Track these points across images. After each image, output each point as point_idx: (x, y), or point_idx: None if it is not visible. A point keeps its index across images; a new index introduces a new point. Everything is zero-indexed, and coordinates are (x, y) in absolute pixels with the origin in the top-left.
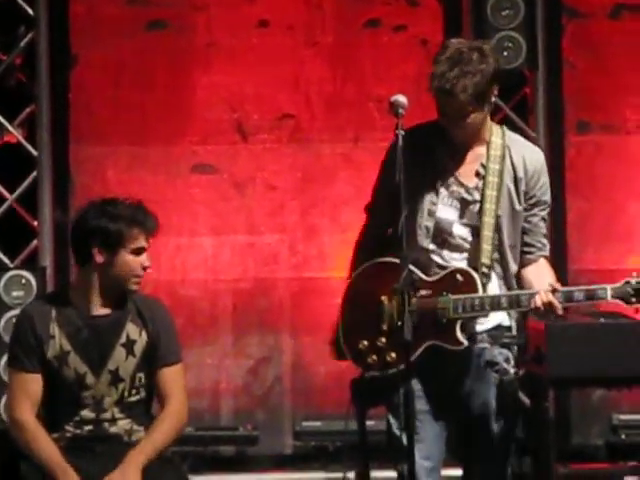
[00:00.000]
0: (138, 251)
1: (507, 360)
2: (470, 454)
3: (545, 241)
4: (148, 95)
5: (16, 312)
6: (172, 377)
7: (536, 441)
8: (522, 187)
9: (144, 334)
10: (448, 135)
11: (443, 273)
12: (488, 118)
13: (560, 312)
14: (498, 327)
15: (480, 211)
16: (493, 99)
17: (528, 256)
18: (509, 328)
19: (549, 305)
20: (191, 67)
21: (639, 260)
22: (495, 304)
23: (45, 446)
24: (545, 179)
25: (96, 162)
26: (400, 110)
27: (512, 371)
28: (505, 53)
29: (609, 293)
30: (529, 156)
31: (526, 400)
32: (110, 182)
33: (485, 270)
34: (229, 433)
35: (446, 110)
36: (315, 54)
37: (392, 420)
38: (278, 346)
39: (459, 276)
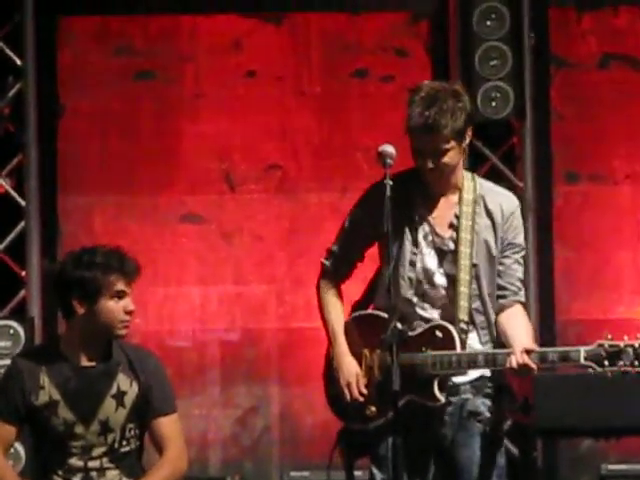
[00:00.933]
0: (118, 295)
1: (489, 409)
2: None
3: (520, 285)
4: (136, 145)
5: (4, 362)
6: (169, 426)
7: None
8: (499, 233)
9: (135, 385)
10: (423, 182)
11: (422, 329)
12: (461, 163)
13: (535, 372)
14: (480, 378)
15: (456, 266)
16: (467, 140)
17: (501, 300)
18: (488, 378)
19: (524, 366)
20: (179, 117)
21: (627, 310)
22: (472, 362)
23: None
24: (518, 222)
25: (83, 211)
26: (388, 160)
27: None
28: (493, 103)
29: (582, 355)
30: (505, 202)
31: (514, 450)
32: (97, 231)
33: (463, 326)
34: None
35: (424, 149)
36: (302, 104)
37: (375, 471)
38: (266, 396)
39: (438, 332)
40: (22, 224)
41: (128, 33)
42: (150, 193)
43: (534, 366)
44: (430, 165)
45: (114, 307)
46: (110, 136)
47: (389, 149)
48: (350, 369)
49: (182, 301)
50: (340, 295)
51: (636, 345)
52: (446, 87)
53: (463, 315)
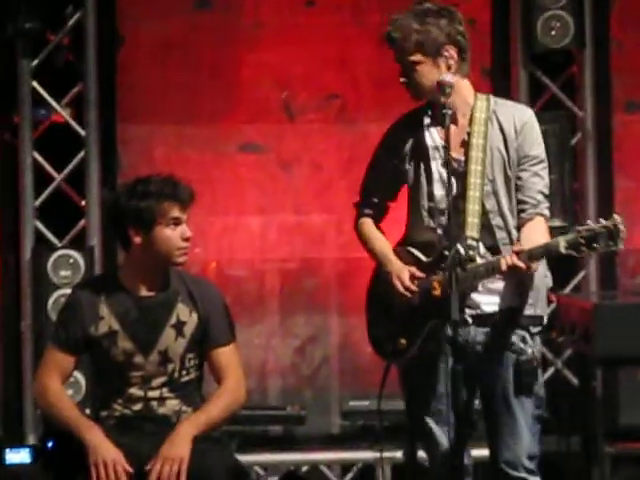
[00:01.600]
0: (174, 222)
1: (523, 340)
2: (494, 435)
3: (540, 197)
4: (195, 74)
5: (64, 291)
6: (227, 357)
7: (584, 421)
8: (514, 145)
9: (194, 315)
10: (435, 112)
11: (435, 254)
12: (464, 83)
13: (526, 271)
14: (509, 309)
15: (465, 185)
16: (449, 59)
17: (522, 214)
18: (517, 309)
19: (514, 267)
20: (238, 46)
21: None
22: (477, 274)
23: (67, 406)
24: (533, 133)
25: (143, 141)
26: (447, 89)
27: (529, 350)
28: (552, 32)
29: (562, 245)
30: (518, 114)
31: (574, 380)
32: (157, 161)
33: (471, 242)
34: (277, 412)
35: (398, 63)
36: (362, 33)
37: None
38: (325, 326)
39: (446, 252)
40: (82, 154)
41: None
42: (209, 123)
43: (522, 265)
44: (402, 79)
45: (171, 234)
46: (169, 65)
47: (448, 78)
48: (401, 266)
49: (241, 231)
50: (380, 230)
51: (610, 225)
52: (443, 7)
53: (471, 231)
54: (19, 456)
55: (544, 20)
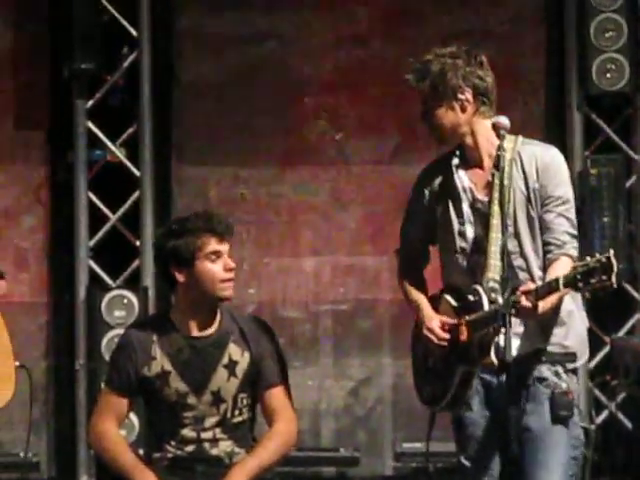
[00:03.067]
0: (214, 255)
1: (556, 374)
2: (528, 468)
3: (566, 238)
4: (250, 115)
5: (118, 331)
6: (279, 397)
7: (638, 464)
8: (536, 186)
9: (247, 355)
10: (463, 154)
11: (463, 298)
12: (483, 125)
13: (534, 310)
14: (537, 351)
15: (487, 227)
16: (464, 102)
17: (548, 255)
18: (541, 348)
19: (520, 307)
20: (294, 87)
21: None
22: (496, 317)
23: (122, 451)
24: (559, 174)
25: (198, 182)
26: (502, 131)
27: (564, 385)
28: (608, 75)
29: (561, 283)
30: (540, 154)
31: (628, 423)
32: (212, 202)
33: (493, 285)
34: (330, 454)
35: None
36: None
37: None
38: (379, 367)
39: (470, 297)
40: (136, 194)
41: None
42: (265, 164)
43: (528, 304)
44: (426, 123)
45: (212, 267)
46: (225, 106)
47: (503, 121)
48: (431, 315)
49: (295, 272)
50: (421, 279)
51: (603, 260)
52: (447, 49)
53: (492, 273)
54: None
55: (600, 63)
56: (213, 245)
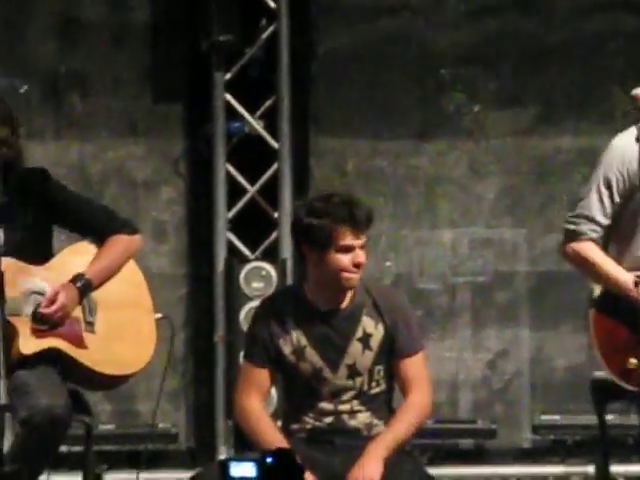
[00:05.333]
0: (346, 249)
1: None
2: None
3: None
4: (387, 86)
5: (256, 303)
6: (413, 367)
7: None
8: None
9: (380, 327)
10: None
11: None
12: None
13: None
14: None
15: None
16: None
17: None
18: None
19: None
20: (430, 57)
21: None
22: None
23: (268, 429)
24: None
25: (336, 154)
26: None
27: None
28: None
29: None
30: None
31: None
32: (350, 174)
33: None
34: (468, 426)
35: None
36: None
37: None
38: (517, 340)
39: None
40: (275, 166)
41: None
42: (402, 136)
43: None
44: None
45: (340, 259)
46: (362, 78)
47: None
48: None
49: (433, 244)
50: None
51: None
52: None
53: None
54: (244, 470)
55: None
56: (348, 239)
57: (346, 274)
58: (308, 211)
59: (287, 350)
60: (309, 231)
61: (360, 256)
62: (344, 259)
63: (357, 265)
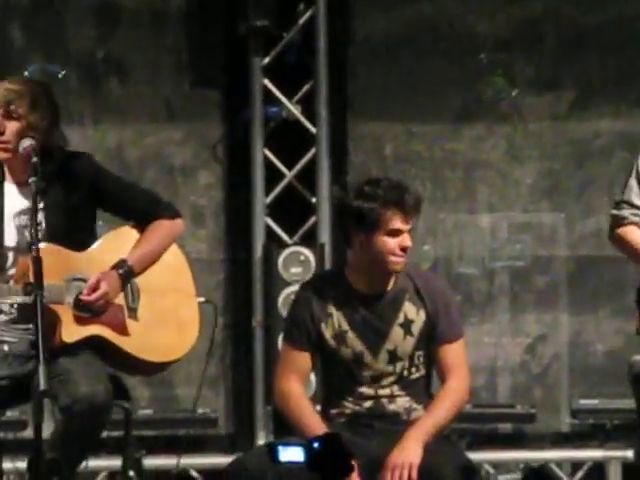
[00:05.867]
0: (394, 233)
1: None
2: None
3: None
4: (424, 72)
5: (294, 288)
6: (453, 353)
7: None
8: None
9: (422, 313)
10: None
11: None
12: None
13: None
14: None
15: None
16: None
17: None
18: None
19: None
20: (469, 41)
21: None
22: None
23: (308, 413)
24: None
25: (373, 139)
26: None
27: None
28: None
29: None
30: None
31: None
32: (387, 159)
33: None
34: (506, 410)
35: None
36: None
37: None
38: (556, 324)
39: None
40: (312, 151)
41: None
42: (440, 120)
43: None
44: None
45: (388, 243)
46: (400, 62)
47: None
48: None
49: (472, 228)
50: None
51: None
52: None
53: None
54: (293, 454)
55: None
56: (397, 223)
57: (393, 257)
58: (357, 194)
59: (328, 334)
60: (358, 214)
61: (407, 240)
62: (391, 242)
63: (404, 249)
